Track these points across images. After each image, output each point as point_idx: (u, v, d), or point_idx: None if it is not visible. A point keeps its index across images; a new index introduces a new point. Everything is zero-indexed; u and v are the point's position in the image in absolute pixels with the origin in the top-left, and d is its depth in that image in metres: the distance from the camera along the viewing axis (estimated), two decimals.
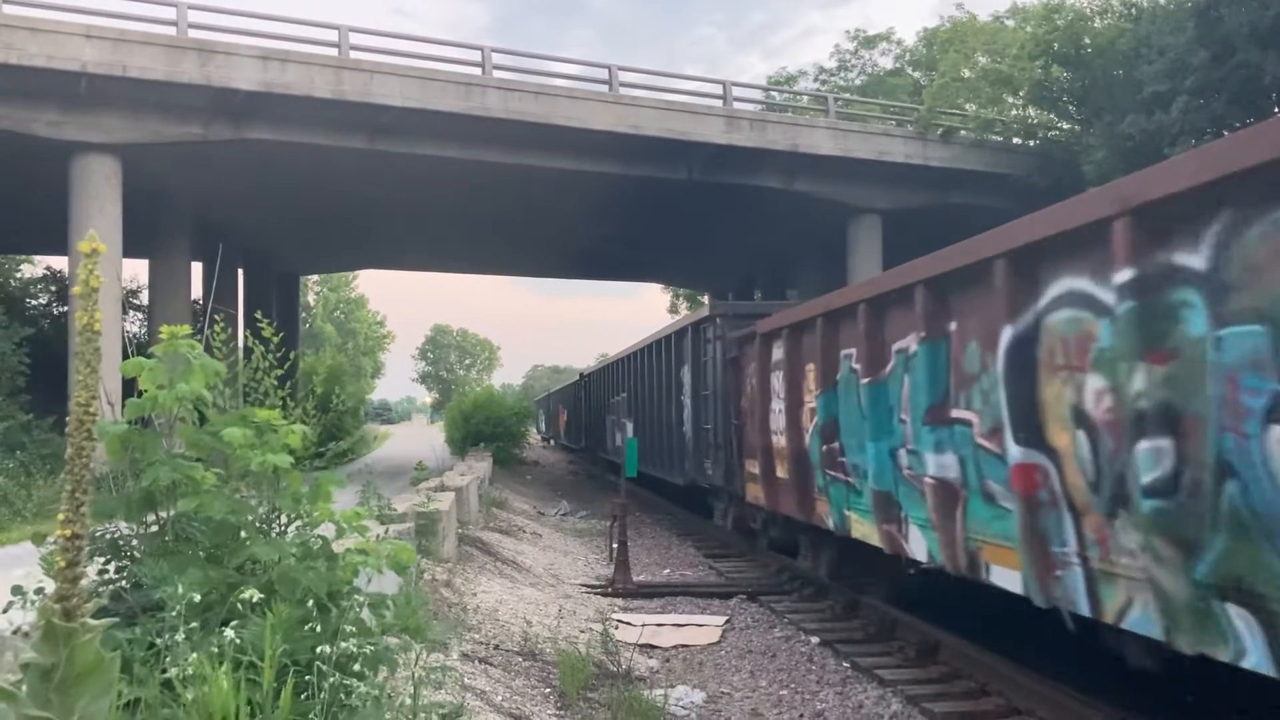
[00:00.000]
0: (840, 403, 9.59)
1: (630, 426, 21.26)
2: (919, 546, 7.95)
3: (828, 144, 28.22)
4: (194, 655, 3.31)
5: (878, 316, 8.73)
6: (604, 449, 29.20)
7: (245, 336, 5.36)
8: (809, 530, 11.08)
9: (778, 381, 11.64)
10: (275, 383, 5.01)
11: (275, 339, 5.15)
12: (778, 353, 11.63)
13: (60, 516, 1.59)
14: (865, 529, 9.06)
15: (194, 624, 3.48)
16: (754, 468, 12.68)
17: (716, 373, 14.77)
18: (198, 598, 3.57)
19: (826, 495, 10.05)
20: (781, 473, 11.59)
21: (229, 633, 3.38)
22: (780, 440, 11.55)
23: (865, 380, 8.86)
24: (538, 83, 25.86)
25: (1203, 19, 23.01)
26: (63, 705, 1.54)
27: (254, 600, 3.60)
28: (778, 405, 11.62)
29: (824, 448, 10.05)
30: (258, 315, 5.54)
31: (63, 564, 1.59)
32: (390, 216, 32.99)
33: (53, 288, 34.71)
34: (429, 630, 4.32)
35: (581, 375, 36.64)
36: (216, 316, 5.16)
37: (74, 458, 1.56)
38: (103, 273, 1.76)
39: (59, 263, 34.52)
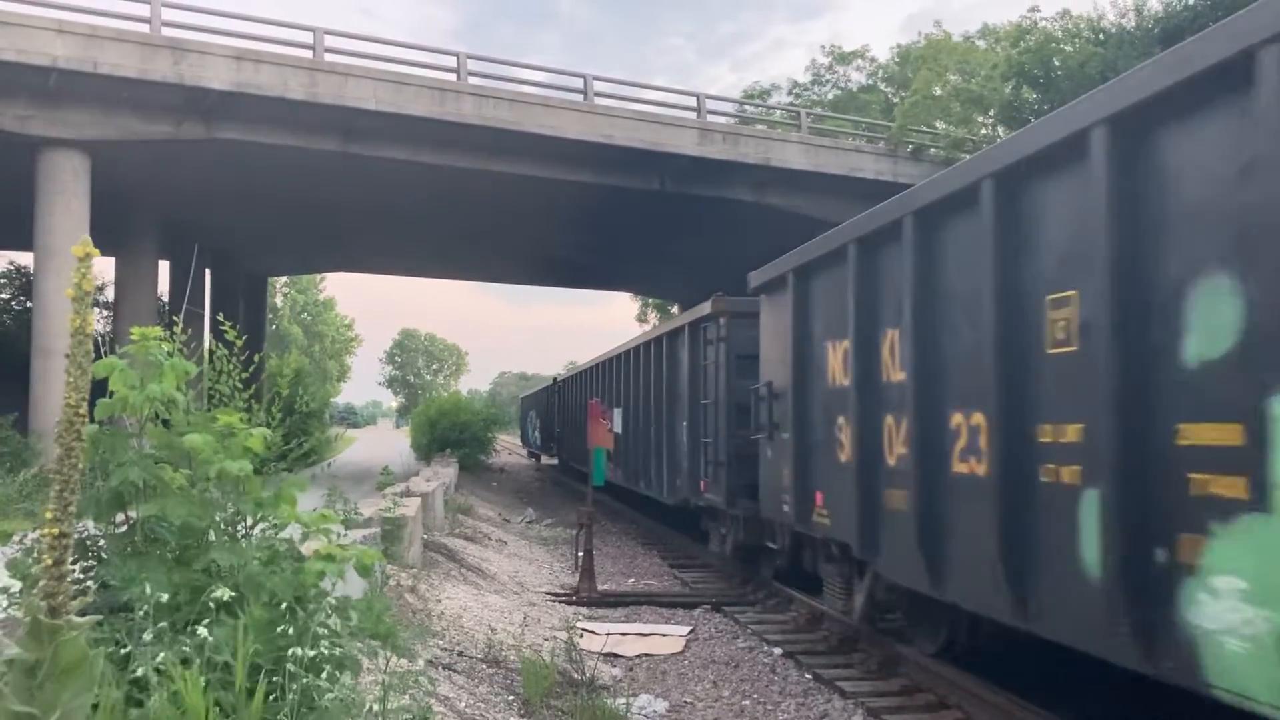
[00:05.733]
0: None
1: None
2: None
3: (799, 159, 28.41)
4: (161, 655, 3.31)
5: None
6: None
7: (211, 338, 5.34)
8: None
9: None
10: (239, 385, 4.99)
11: (239, 341, 5.12)
12: None
13: (48, 515, 1.61)
14: None
15: (162, 624, 3.48)
16: None
17: None
18: (165, 598, 3.57)
19: None
20: None
21: (201, 631, 3.38)
22: None
23: None
24: (512, 90, 25.84)
25: (1169, 44, 23.42)
26: (46, 701, 1.57)
27: (224, 600, 3.61)
28: None
29: None
30: (220, 318, 5.51)
31: (49, 562, 1.61)
32: (361, 220, 32.82)
33: (18, 282, 34.25)
34: (396, 636, 4.33)
35: (642, 336, 17.43)
36: (175, 318, 5.13)
37: (63, 458, 1.59)
38: (69, 271, 1.78)
39: (23, 258, 34.10)
